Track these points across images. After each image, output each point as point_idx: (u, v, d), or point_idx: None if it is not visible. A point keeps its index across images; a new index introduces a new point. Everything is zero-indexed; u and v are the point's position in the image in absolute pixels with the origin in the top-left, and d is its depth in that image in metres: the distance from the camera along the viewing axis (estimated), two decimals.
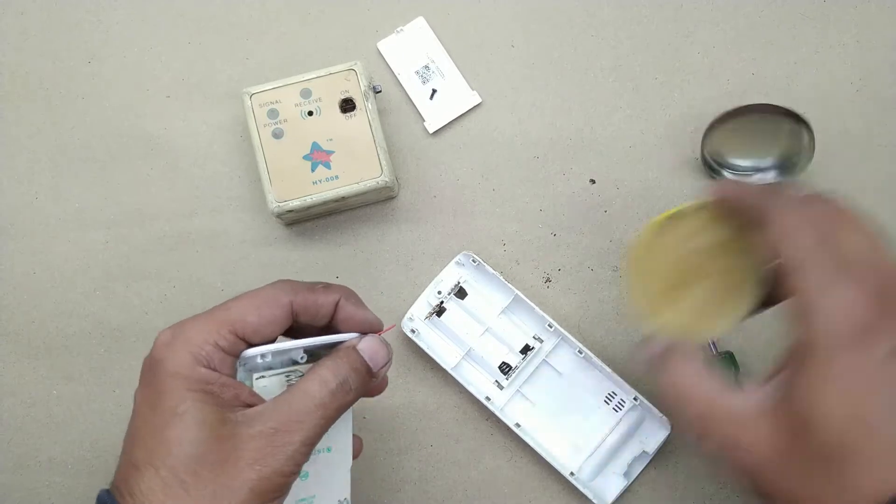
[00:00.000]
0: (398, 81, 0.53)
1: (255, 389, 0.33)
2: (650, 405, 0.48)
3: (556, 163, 0.52)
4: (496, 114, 0.52)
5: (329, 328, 0.36)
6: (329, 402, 0.32)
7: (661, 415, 0.48)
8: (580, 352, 0.48)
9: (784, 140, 0.49)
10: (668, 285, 0.36)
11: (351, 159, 0.47)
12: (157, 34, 0.54)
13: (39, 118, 0.53)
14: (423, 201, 0.52)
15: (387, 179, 0.47)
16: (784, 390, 0.29)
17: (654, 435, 0.48)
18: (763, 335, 0.50)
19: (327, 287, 0.35)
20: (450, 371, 0.48)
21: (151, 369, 0.31)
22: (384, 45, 0.53)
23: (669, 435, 0.47)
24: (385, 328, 0.37)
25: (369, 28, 0.53)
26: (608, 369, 0.48)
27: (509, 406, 0.48)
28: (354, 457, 0.37)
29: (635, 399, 0.48)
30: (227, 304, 0.33)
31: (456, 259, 0.50)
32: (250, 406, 0.31)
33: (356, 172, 0.47)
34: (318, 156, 0.48)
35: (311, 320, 0.35)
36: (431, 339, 0.49)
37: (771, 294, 0.36)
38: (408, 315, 0.49)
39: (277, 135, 0.48)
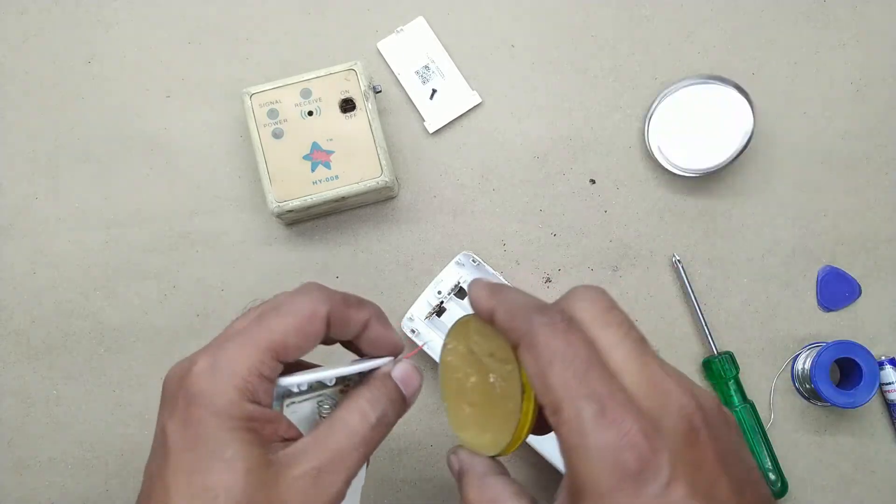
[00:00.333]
0: (398, 81, 0.53)
1: (286, 414, 0.31)
2: None
3: (556, 163, 0.52)
4: (496, 114, 0.52)
5: (350, 343, 0.34)
6: (370, 437, 0.30)
7: None
8: None
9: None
10: (457, 397, 0.33)
11: (351, 159, 0.47)
12: (157, 34, 0.54)
13: (39, 118, 0.53)
14: (423, 201, 0.52)
15: (387, 179, 0.47)
16: None
17: None
18: (763, 335, 0.50)
19: (360, 303, 0.33)
20: None
21: (189, 402, 0.28)
22: (384, 45, 0.53)
23: None
24: (412, 351, 0.36)
25: (369, 28, 0.53)
26: None
27: None
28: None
29: None
30: (266, 321, 0.30)
31: (456, 259, 0.50)
32: (288, 439, 0.30)
33: (356, 172, 0.47)
34: (318, 156, 0.48)
35: (337, 334, 0.33)
36: (431, 339, 0.49)
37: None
38: (408, 315, 0.49)
39: (277, 135, 0.48)
